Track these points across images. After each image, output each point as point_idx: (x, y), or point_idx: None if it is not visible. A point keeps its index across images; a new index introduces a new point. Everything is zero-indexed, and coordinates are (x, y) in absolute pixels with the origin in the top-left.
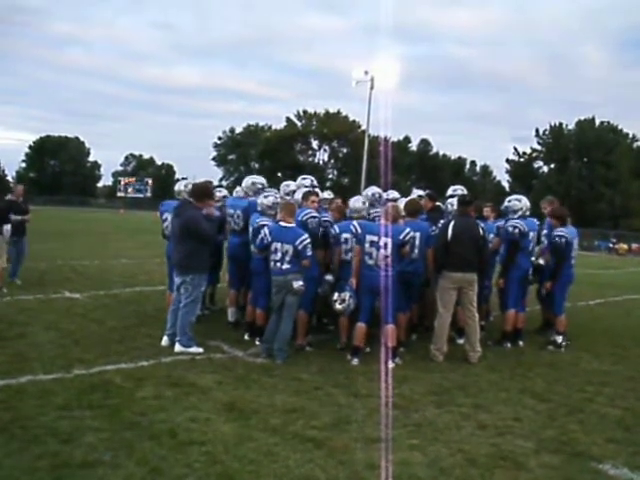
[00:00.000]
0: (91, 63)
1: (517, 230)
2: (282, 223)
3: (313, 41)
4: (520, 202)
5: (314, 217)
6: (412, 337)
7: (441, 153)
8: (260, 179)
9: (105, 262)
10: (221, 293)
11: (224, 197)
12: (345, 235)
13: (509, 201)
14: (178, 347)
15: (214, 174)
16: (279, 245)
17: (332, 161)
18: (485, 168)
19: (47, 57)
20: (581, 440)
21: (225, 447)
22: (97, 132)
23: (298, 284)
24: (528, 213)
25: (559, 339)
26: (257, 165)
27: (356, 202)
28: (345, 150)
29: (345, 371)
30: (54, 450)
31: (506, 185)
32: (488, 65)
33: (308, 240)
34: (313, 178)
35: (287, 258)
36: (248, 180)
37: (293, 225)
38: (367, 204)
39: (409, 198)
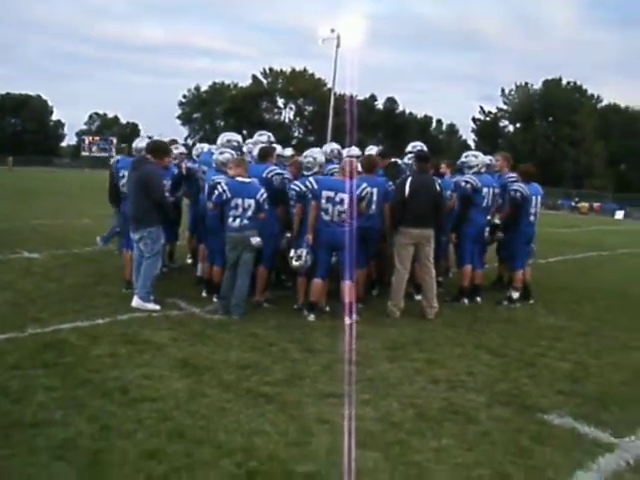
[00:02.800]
0: (52, 19)
1: (469, 185)
2: (239, 179)
3: None
4: (477, 158)
5: (279, 174)
6: (372, 293)
7: (407, 111)
8: (235, 136)
9: (67, 221)
10: (180, 251)
11: (181, 154)
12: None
13: (466, 157)
14: (136, 301)
15: (179, 132)
16: (240, 200)
17: (298, 119)
18: (451, 127)
19: (5, 13)
20: (531, 393)
21: (177, 403)
22: (59, 90)
23: (256, 240)
24: (484, 170)
25: (515, 295)
26: (222, 123)
27: (313, 157)
28: (311, 108)
29: (301, 327)
30: (4, 409)
31: (472, 144)
32: (456, 24)
33: (266, 194)
34: (270, 134)
35: (248, 213)
36: (223, 137)
37: (250, 180)
38: (324, 159)
39: (365, 154)
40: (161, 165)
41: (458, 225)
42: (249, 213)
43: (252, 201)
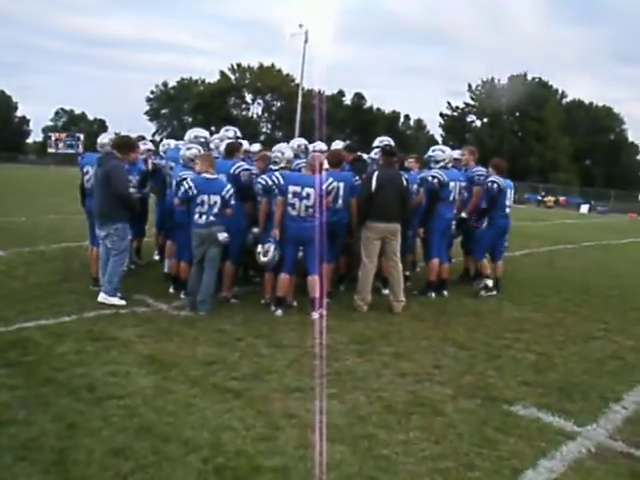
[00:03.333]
0: (8, 9)
1: (436, 180)
2: (206, 175)
3: None
4: (444, 153)
5: (247, 169)
6: (340, 288)
7: (375, 107)
8: (203, 132)
9: (32, 218)
10: (147, 247)
11: (148, 150)
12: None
13: (433, 151)
14: (102, 296)
15: (147, 128)
16: (205, 197)
17: (266, 115)
18: (419, 122)
19: None
20: (497, 385)
21: (144, 400)
22: (23, 85)
23: (223, 236)
24: (451, 164)
25: (489, 282)
26: (190, 119)
27: (281, 152)
28: (279, 104)
29: (268, 322)
30: None
31: (440, 139)
32: (422, 18)
33: (232, 190)
34: (236, 129)
35: (214, 210)
36: (191, 133)
37: (217, 176)
38: (292, 154)
39: (332, 149)
40: (127, 160)
41: (426, 220)
42: (215, 210)
43: (218, 197)
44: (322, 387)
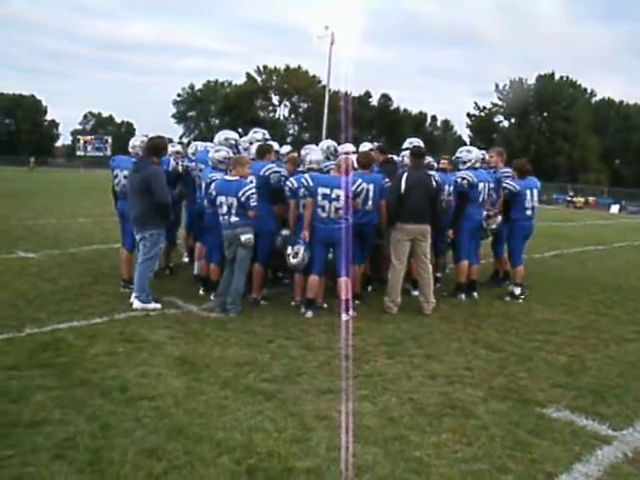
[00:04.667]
0: (37, 17)
1: (465, 181)
2: (227, 177)
3: None
4: (470, 153)
5: (276, 172)
6: (368, 289)
7: (402, 108)
8: (232, 134)
9: (62, 221)
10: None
11: (177, 152)
12: (301, 189)
13: (460, 152)
14: (137, 303)
15: (174, 131)
16: (224, 199)
17: (293, 116)
18: (446, 123)
19: None
20: (528, 387)
21: (175, 401)
22: (52, 90)
23: (246, 237)
24: (478, 165)
25: (517, 290)
26: (217, 121)
27: (314, 154)
28: (306, 105)
29: (299, 324)
30: (2, 409)
31: (467, 139)
32: (447, 19)
33: (252, 191)
34: (265, 131)
35: (233, 211)
36: (221, 135)
37: (237, 178)
38: (321, 156)
39: (361, 151)
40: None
41: (455, 221)
42: (233, 211)
43: (234, 199)
44: (350, 388)
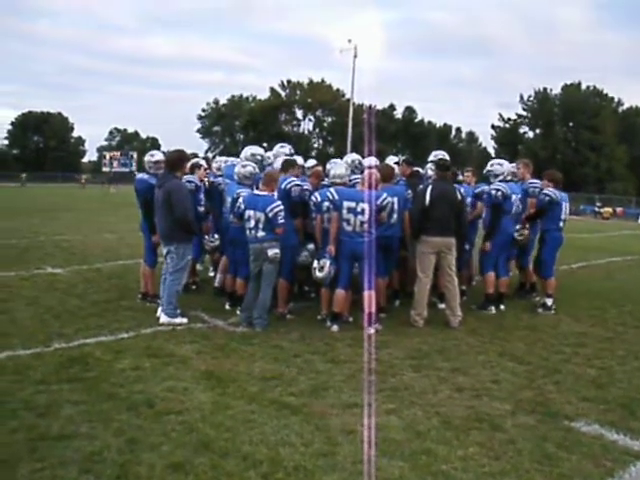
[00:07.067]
0: (61, 35)
1: (500, 193)
2: (256, 191)
3: (288, 9)
4: (502, 166)
5: (298, 185)
6: (395, 303)
7: (426, 120)
8: (259, 150)
9: (88, 237)
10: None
11: (202, 167)
12: (325, 203)
13: (491, 165)
14: (164, 318)
15: (199, 146)
16: (252, 213)
17: (317, 130)
18: (471, 135)
19: (14, 29)
20: (556, 400)
21: (202, 415)
22: (78, 106)
23: (273, 252)
24: (509, 177)
25: (549, 301)
26: (242, 136)
27: (338, 168)
28: (330, 119)
29: (325, 338)
30: (30, 423)
31: (492, 151)
32: (470, 31)
33: (280, 208)
34: (291, 146)
35: (260, 226)
36: (247, 151)
37: (266, 193)
38: (346, 171)
39: (383, 164)
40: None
41: (489, 233)
42: (260, 225)
43: (262, 215)
44: (373, 402)
